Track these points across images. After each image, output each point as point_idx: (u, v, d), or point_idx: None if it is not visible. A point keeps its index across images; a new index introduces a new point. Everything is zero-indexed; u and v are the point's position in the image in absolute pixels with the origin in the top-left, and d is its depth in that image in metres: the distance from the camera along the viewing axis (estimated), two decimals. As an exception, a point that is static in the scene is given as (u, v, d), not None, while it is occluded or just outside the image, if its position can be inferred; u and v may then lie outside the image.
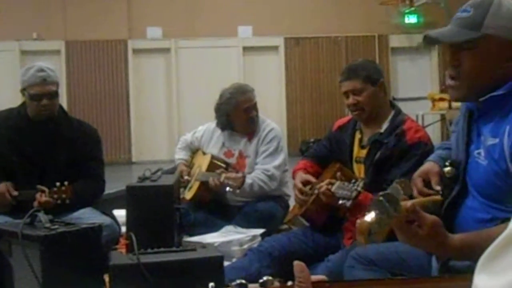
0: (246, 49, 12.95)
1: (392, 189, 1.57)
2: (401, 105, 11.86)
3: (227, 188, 3.75)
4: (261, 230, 3.53)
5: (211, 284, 0.86)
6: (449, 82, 1.89)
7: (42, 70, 3.55)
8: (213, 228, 3.73)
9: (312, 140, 11.88)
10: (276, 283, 0.97)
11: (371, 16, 12.96)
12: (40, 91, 3.49)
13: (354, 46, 13.14)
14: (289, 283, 1.00)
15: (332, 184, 2.65)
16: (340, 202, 2.31)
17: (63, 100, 12.10)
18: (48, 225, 2.47)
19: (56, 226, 2.46)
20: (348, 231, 2.83)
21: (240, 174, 3.77)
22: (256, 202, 3.93)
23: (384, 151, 2.84)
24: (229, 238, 3.38)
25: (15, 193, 3.41)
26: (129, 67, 12.63)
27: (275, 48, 13.12)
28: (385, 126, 2.92)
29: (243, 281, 0.92)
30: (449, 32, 1.86)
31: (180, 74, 12.75)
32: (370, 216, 1.51)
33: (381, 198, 1.52)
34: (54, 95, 3.58)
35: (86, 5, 12.28)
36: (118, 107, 12.63)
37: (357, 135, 3.05)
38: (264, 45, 12.99)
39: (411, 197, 1.69)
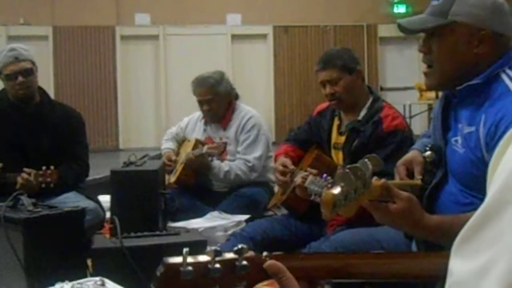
0: (234, 37, 12.91)
1: (361, 163, 1.57)
2: (389, 95, 11.92)
3: (211, 158, 3.80)
4: (245, 216, 3.54)
5: (185, 249, 0.87)
6: (423, 70, 1.92)
7: (13, 49, 3.57)
8: (198, 213, 3.75)
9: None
10: (251, 252, 0.98)
11: (360, 6, 12.95)
12: (13, 70, 3.50)
13: (342, 35, 13.14)
14: (265, 253, 1.01)
15: (305, 178, 2.66)
16: (312, 197, 2.32)
17: (50, 86, 12.04)
18: (31, 208, 2.46)
19: (39, 209, 2.46)
20: (330, 219, 2.84)
21: (220, 142, 3.83)
22: (241, 188, 3.94)
23: (361, 139, 2.85)
24: (214, 224, 3.39)
25: (0, 164, 3.38)
26: (117, 54, 12.55)
27: (263, 36, 13.09)
28: (362, 113, 2.93)
29: (218, 248, 0.93)
30: (419, 20, 1.89)
31: (168, 61, 12.69)
32: (335, 189, 1.50)
33: (347, 170, 1.51)
34: (29, 72, 3.56)
35: (74, -10, 12.18)
36: (106, 93, 12.57)
37: (336, 121, 3.06)
38: (253, 33, 12.96)
39: (380, 173, 1.69)
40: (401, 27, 1.92)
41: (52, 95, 12.01)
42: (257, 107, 12.89)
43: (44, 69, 12.07)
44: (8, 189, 3.10)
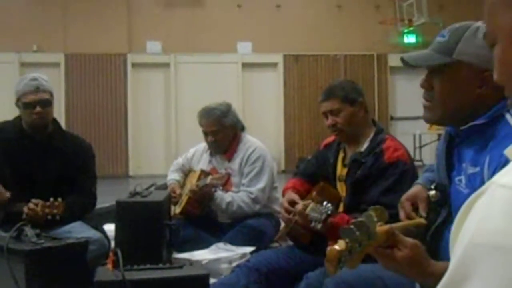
0: (245, 65, 12.99)
1: (365, 216, 1.56)
2: (399, 124, 11.94)
3: (214, 189, 3.81)
4: (250, 248, 3.52)
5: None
6: (423, 103, 1.90)
7: (35, 79, 3.61)
8: (204, 244, 3.73)
9: (309, 157, 11.87)
10: None
11: (370, 35, 13.02)
12: (33, 99, 3.53)
13: (353, 65, 13.19)
14: None
15: (307, 205, 2.65)
16: (312, 224, 2.31)
17: (61, 112, 12.14)
18: (34, 239, 2.46)
19: (42, 241, 2.46)
20: (329, 244, 2.82)
21: (224, 173, 3.80)
22: (246, 219, 3.93)
23: (363, 171, 2.84)
24: (218, 256, 3.37)
25: (8, 194, 3.39)
26: (128, 81, 12.66)
27: (274, 65, 13.17)
28: (365, 145, 2.93)
29: None
30: (423, 55, 1.87)
31: (179, 89, 12.78)
32: (339, 244, 1.49)
33: (351, 226, 1.51)
34: (47, 103, 3.60)
35: (86, 18, 12.33)
36: (116, 120, 12.64)
37: (341, 154, 3.07)
38: (263, 61, 13.04)
39: (387, 223, 1.67)
40: (404, 62, 1.92)
41: (63, 121, 12.23)
42: (266, 135, 13.02)
43: (56, 96, 12.10)
44: (15, 219, 3.11)
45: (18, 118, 3.72)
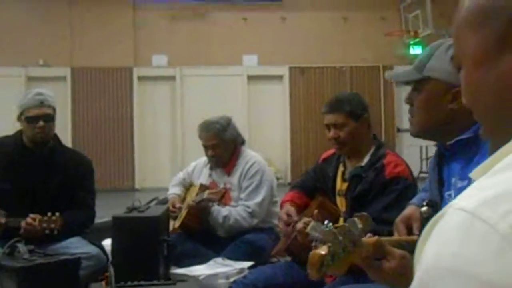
0: (250, 78, 13.01)
1: (349, 222, 1.54)
2: (405, 136, 11.91)
3: (211, 204, 3.83)
4: (248, 263, 3.49)
5: None
6: (408, 118, 1.95)
7: (40, 94, 3.64)
8: (203, 259, 3.70)
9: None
10: None
11: (376, 47, 13.01)
12: (36, 113, 3.55)
13: (358, 77, 13.19)
14: None
15: (308, 224, 2.62)
16: (313, 243, 2.29)
17: (67, 126, 12.19)
18: (26, 256, 2.45)
19: (34, 258, 2.44)
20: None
21: (221, 188, 3.81)
22: (245, 234, 3.91)
23: (363, 186, 2.81)
24: (216, 271, 3.34)
25: (3, 220, 3.40)
26: (134, 94, 12.70)
27: (279, 77, 13.18)
28: (366, 160, 2.90)
29: None
30: (402, 72, 1.95)
31: (185, 102, 12.80)
32: (322, 249, 1.47)
33: (334, 230, 1.49)
34: (50, 118, 3.62)
35: (92, 32, 12.40)
36: (122, 133, 12.67)
37: (340, 168, 3.04)
38: (269, 74, 13.06)
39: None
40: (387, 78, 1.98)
41: (69, 135, 12.28)
42: (273, 148, 13.00)
43: (62, 110, 12.22)
44: (12, 234, 3.11)
45: (19, 133, 3.73)
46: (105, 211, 3.93)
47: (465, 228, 0.60)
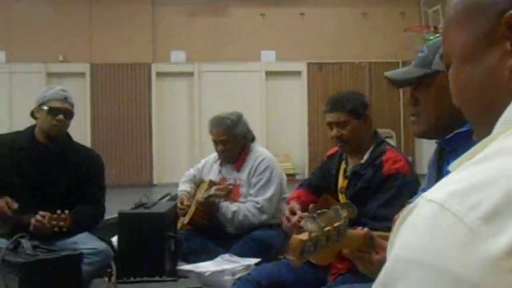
0: (269, 73, 12.99)
1: (333, 209, 1.52)
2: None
3: (218, 199, 3.84)
4: (255, 260, 3.49)
5: None
6: (411, 118, 1.92)
7: (64, 90, 3.75)
8: (211, 255, 3.71)
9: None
10: None
11: (395, 42, 12.91)
12: (59, 106, 3.63)
13: (377, 72, 13.09)
14: None
15: (303, 218, 2.62)
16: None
17: (86, 121, 12.29)
18: (30, 251, 2.47)
19: (37, 253, 2.47)
20: (333, 267, 2.79)
21: (227, 183, 3.87)
22: (253, 230, 3.91)
23: (362, 183, 2.82)
24: (222, 267, 3.34)
25: (15, 205, 3.43)
26: (153, 90, 12.76)
27: (297, 73, 13.14)
28: (366, 157, 2.90)
29: None
30: (404, 71, 1.92)
31: (203, 98, 12.83)
32: (303, 234, 1.46)
33: (314, 215, 1.47)
34: (70, 114, 3.71)
35: (111, 28, 12.47)
36: (141, 129, 12.74)
37: (343, 165, 3.04)
38: (287, 70, 13.02)
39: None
40: (387, 79, 1.94)
41: (88, 130, 12.37)
42: (291, 143, 12.97)
43: (81, 105, 12.33)
44: (22, 230, 3.14)
45: (30, 128, 3.77)
46: (121, 206, 3.94)
47: (433, 219, 0.59)
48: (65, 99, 3.67)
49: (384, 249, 1.60)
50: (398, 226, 0.65)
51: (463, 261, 0.56)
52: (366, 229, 1.62)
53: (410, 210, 0.64)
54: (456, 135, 1.80)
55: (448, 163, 1.87)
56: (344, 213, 1.54)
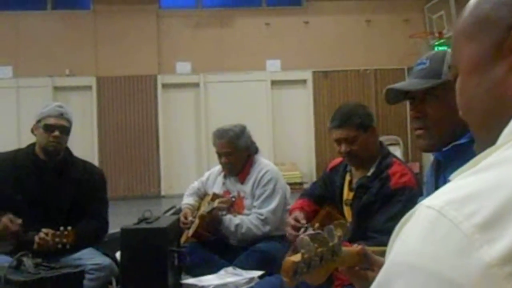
0: (274, 82, 13.01)
1: (326, 229, 1.52)
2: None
3: (221, 212, 3.84)
4: (259, 272, 3.48)
5: None
6: (418, 132, 1.88)
7: (61, 106, 3.75)
8: (215, 268, 3.70)
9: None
10: None
11: (400, 49, 12.91)
12: (55, 123, 3.63)
13: (383, 79, 13.09)
14: None
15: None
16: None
17: (94, 134, 12.35)
18: (31, 269, 2.49)
19: (39, 272, 2.48)
20: (337, 279, 2.78)
21: (230, 196, 3.88)
22: (257, 242, 3.90)
23: (369, 196, 2.79)
24: (225, 281, 3.34)
25: (19, 220, 3.44)
26: (159, 102, 12.81)
27: (303, 81, 13.16)
28: (372, 169, 2.88)
29: None
30: (411, 83, 1.88)
31: (209, 108, 12.86)
32: (295, 256, 1.45)
33: (306, 237, 1.47)
34: (66, 130, 3.70)
35: (116, 41, 12.54)
36: (148, 141, 12.78)
37: (347, 177, 3.02)
38: (293, 78, 13.05)
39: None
40: (390, 92, 1.92)
41: (95, 143, 12.43)
42: (298, 151, 12.96)
43: (88, 118, 12.40)
44: (26, 247, 3.16)
45: (31, 145, 3.79)
46: (129, 219, 3.96)
47: (430, 225, 0.60)
48: (61, 115, 3.67)
49: (379, 265, 1.60)
50: (397, 231, 0.66)
51: (458, 267, 0.56)
52: (360, 247, 1.61)
53: (408, 216, 0.65)
54: (454, 148, 1.78)
55: (444, 176, 1.86)
56: (338, 233, 1.54)
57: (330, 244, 1.52)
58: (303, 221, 3.00)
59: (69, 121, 3.74)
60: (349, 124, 2.89)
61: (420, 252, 0.59)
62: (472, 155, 1.83)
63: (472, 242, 0.57)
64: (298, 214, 3.07)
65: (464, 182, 0.63)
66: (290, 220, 3.07)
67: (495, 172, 0.61)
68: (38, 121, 3.68)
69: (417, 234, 0.61)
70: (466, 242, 0.57)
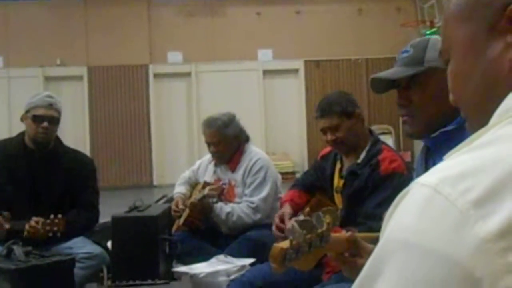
0: (266, 72, 13.00)
1: (315, 216, 1.53)
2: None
3: (212, 199, 3.85)
4: (250, 260, 3.50)
5: None
6: (404, 119, 1.90)
7: (50, 96, 3.73)
8: (207, 256, 3.72)
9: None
10: None
11: (392, 38, 12.89)
12: (43, 113, 3.62)
13: (374, 68, 13.06)
14: None
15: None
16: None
17: (85, 124, 12.32)
18: (22, 258, 2.49)
19: (29, 259, 2.48)
20: (327, 265, 2.80)
21: (220, 183, 3.87)
22: (248, 230, 3.92)
23: (359, 183, 2.81)
24: (216, 268, 3.35)
25: (7, 226, 3.44)
26: (150, 91, 12.77)
27: (295, 71, 13.15)
28: (362, 156, 2.90)
29: None
30: (395, 71, 1.89)
31: (201, 98, 12.84)
32: (284, 242, 1.46)
33: (294, 223, 1.48)
34: (55, 121, 3.69)
35: (107, 31, 12.48)
36: (140, 130, 12.76)
37: (338, 165, 3.04)
38: (284, 68, 13.03)
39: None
40: (375, 82, 1.93)
41: (87, 133, 12.40)
42: (289, 141, 12.96)
43: (79, 108, 12.36)
44: (16, 236, 3.16)
45: (21, 135, 3.78)
46: (121, 208, 3.96)
47: (425, 202, 0.61)
48: (50, 105, 3.65)
49: (368, 252, 1.60)
50: (391, 211, 0.66)
51: (453, 243, 0.57)
52: (349, 233, 1.62)
53: (403, 195, 0.66)
54: (442, 134, 1.80)
55: (433, 162, 1.87)
56: (327, 219, 1.54)
57: (319, 230, 1.52)
58: (287, 222, 3.01)
59: (58, 111, 3.72)
60: (331, 113, 2.93)
61: (416, 229, 0.60)
62: (460, 141, 1.85)
63: (467, 218, 0.57)
64: (285, 212, 3.08)
65: (458, 160, 0.63)
66: (276, 218, 3.09)
67: (489, 150, 0.62)
68: (27, 111, 3.67)
69: (412, 212, 0.61)
70: (461, 218, 0.57)
